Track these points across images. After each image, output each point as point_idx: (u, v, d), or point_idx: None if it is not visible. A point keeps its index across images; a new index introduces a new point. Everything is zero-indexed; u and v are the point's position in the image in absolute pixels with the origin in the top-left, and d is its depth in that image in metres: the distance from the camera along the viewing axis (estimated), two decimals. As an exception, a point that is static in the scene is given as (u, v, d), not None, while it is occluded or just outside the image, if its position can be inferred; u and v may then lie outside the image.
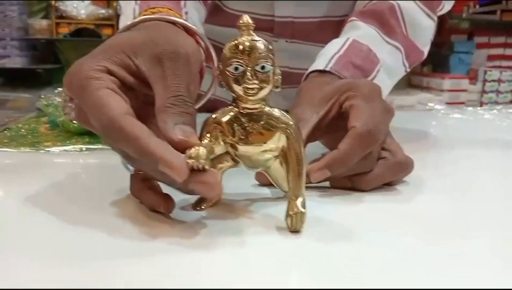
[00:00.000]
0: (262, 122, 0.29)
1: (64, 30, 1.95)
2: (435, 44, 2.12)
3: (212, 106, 0.38)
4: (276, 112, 0.29)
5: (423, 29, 0.58)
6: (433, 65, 2.65)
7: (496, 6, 2.34)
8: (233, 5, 0.66)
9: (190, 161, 0.26)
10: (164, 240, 0.28)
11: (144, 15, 0.38)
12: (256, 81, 0.28)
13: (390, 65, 0.53)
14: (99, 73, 0.30)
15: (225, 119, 0.30)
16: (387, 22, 0.54)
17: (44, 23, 2.01)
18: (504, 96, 2.54)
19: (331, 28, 0.62)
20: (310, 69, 0.49)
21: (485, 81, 2.51)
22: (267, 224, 0.30)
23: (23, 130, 0.58)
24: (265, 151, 0.30)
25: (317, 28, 0.66)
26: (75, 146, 0.49)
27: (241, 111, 0.29)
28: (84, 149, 0.49)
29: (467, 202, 0.37)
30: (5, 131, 0.57)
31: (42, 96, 0.58)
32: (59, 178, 0.41)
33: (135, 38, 0.33)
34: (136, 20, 0.36)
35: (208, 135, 0.30)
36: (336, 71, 0.47)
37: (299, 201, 0.29)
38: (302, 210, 0.28)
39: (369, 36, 0.52)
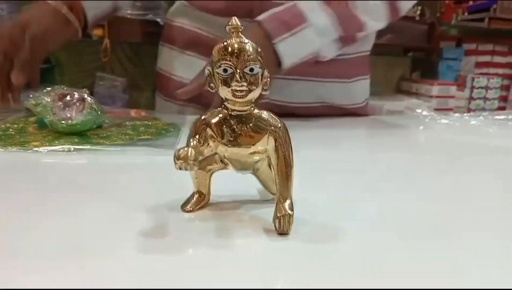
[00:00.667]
0: (250, 125, 0.29)
1: (54, 30, 1.91)
2: (424, 51, 2.13)
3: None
4: (265, 114, 0.30)
5: (367, 5, 0.72)
6: (422, 71, 2.67)
7: (484, 13, 2.37)
8: None
9: (178, 161, 0.26)
10: (151, 240, 0.28)
11: None
12: (244, 83, 0.28)
13: (320, 25, 0.67)
14: None
15: (214, 120, 0.30)
16: None
17: (34, 22, 1.99)
18: (492, 103, 2.57)
19: None
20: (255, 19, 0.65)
21: (473, 87, 2.53)
22: (255, 226, 0.30)
23: (11, 130, 0.58)
24: (254, 153, 0.30)
25: None
26: (63, 146, 0.49)
27: (230, 113, 0.29)
28: (72, 149, 0.49)
29: (455, 204, 0.37)
30: (-7, 131, 0.56)
31: (31, 96, 0.57)
32: (48, 178, 0.41)
33: (25, 18, 0.69)
34: None
35: (196, 136, 0.30)
36: (263, 22, 0.64)
37: (287, 203, 0.29)
38: (290, 212, 0.29)
39: (308, 3, 0.68)
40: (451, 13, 2.43)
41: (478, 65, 2.64)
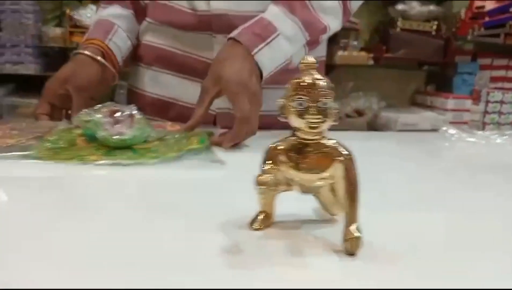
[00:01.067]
0: (320, 152, 0.32)
1: (78, 39, 1.98)
2: (439, 65, 2.15)
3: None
4: (333, 142, 0.32)
5: (326, 8, 0.76)
6: (436, 85, 2.69)
7: (500, 29, 2.39)
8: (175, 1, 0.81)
9: (260, 187, 0.29)
10: (229, 258, 0.30)
11: (83, 44, 0.81)
12: (318, 116, 0.30)
13: (289, 34, 0.72)
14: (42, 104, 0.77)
15: (286, 147, 0.32)
16: (291, 4, 0.73)
17: (58, 31, 2.04)
18: (506, 117, 2.58)
19: None
20: (228, 36, 0.71)
21: (487, 102, 2.55)
22: (321, 245, 0.33)
23: (61, 143, 0.60)
24: (321, 179, 0.32)
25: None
26: (121, 161, 0.52)
27: (301, 141, 0.32)
28: (131, 163, 0.52)
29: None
30: (46, 144, 0.59)
31: (81, 113, 0.61)
32: (114, 194, 0.44)
33: (65, 72, 0.77)
34: (75, 52, 0.79)
35: (270, 162, 0.32)
36: (237, 37, 0.69)
37: (355, 226, 0.31)
38: (359, 235, 0.31)
39: (274, 14, 0.73)
40: (467, 29, 2.45)
41: (493, 79, 2.66)
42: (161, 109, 0.84)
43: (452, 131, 0.88)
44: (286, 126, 0.33)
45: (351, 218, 0.32)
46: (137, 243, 0.32)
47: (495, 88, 2.63)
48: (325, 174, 0.32)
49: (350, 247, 0.31)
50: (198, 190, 0.46)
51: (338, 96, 2.27)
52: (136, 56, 0.90)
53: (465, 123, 2.47)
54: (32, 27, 2.00)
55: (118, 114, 0.60)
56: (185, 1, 0.80)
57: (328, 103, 0.31)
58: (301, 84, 0.31)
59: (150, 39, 0.86)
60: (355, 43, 2.23)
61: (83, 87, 0.76)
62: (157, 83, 0.85)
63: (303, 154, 0.32)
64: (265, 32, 0.71)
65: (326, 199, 0.36)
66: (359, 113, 2.22)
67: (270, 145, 0.33)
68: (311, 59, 0.31)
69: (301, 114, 0.31)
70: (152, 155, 0.55)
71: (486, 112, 2.56)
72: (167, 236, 0.34)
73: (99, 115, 0.59)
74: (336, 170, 0.32)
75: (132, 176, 0.49)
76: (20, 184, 0.45)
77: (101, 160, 0.52)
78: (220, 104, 0.79)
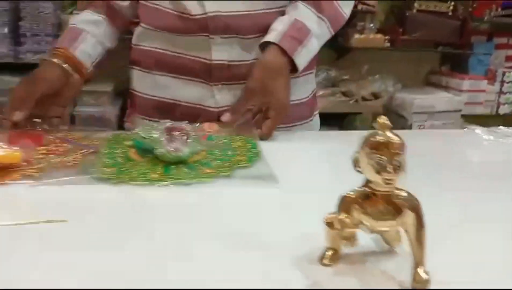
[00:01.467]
0: (392, 203, 0.36)
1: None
2: (455, 45, 2.13)
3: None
4: (404, 193, 0.36)
5: None
6: (451, 65, 2.68)
7: (518, 9, 2.37)
8: (166, 4, 0.83)
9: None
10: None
11: (51, 51, 0.84)
12: (394, 172, 0.34)
13: (318, 32, 0.82)
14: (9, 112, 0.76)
15: (358, 196, 0.36)
16: (318, 2, 0.82)
17: (77, 18, 2.04)
18: (521, 97, 2.59)
19: (259, 20, 0.81)
20: (265, 39, 0.79)
21: (503, 82, 2.55)
22: (389, 281, 0.37)
23: (117, 158, 0.64)
24: (391, 226, 0.36)
25: (246, 21, 0.81)
26: (185, 180, 0.56)
27: (374, 193, 0.36)
28: (193, 182, 0.56)
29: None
30: (104, 160, 0.63)
31: (139, 129, 0.64)
32: (189, 218, 0.48)
33: (31, 79, 0.79)
34: (43, 58, 0.82)
35: (344, 213, 0.36)
36: (279, 42, 0.78)
37: (422, 270, 0.35)
38: (428, 278, 0.35)
39: (304, 14, 0.81)
40: (483, 9, 2.43)
41: (509, 59, 2.65)
42: (165, 111, 0.86)
43: (478, 131, 0.91)
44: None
45: (419, 260, 0.36)
46: (209, 276, 0.37)
47: (511, 67, 2.63)
48: (395, 222, 0.36)
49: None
50: (258, 212, 0.50)
51: (355, 79, 2.28)
52: (134, 61, 0.91)
53: (480, 104, 2.49)
54: (52, 15, 2.00)
55: (173, 131, 0.63)
56: (179, 1, 0.81)
57: (402, 159, 0.34)
58: (379, 142, 0.34)
59: (147, 44, 0.88)
60: (371, 25, 2.23)
61: (48, 92, 0.78)
62: (159, 86, 0.87)
63: (374, 202, 0.36)
64: (302, 35, 0.79)
65: (390, 236, 0.40)
66: (376, 96, 2.23)
67: (344, 195, 0.37)
68: (385, 120, 0.35)
69: (378, 171, 0.34)
70: (207, 171, 0.59)
71: (501, 92, 2.57)
72: (240, 267, 0.38)
73: (156, 133, 0.63)
74: (407, 218, 0.36)
75: (189, 195, 0.54)
76: (94, 209, 0.50)
77: (163, 180, 0.56)
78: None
